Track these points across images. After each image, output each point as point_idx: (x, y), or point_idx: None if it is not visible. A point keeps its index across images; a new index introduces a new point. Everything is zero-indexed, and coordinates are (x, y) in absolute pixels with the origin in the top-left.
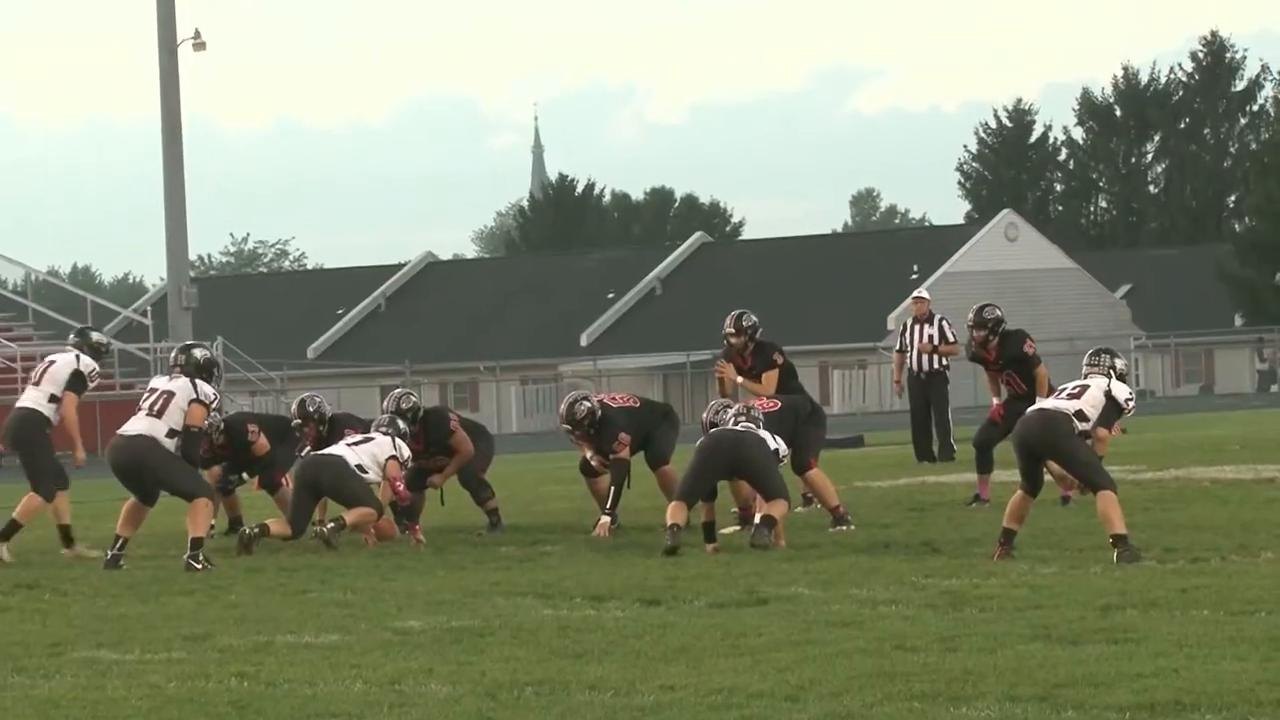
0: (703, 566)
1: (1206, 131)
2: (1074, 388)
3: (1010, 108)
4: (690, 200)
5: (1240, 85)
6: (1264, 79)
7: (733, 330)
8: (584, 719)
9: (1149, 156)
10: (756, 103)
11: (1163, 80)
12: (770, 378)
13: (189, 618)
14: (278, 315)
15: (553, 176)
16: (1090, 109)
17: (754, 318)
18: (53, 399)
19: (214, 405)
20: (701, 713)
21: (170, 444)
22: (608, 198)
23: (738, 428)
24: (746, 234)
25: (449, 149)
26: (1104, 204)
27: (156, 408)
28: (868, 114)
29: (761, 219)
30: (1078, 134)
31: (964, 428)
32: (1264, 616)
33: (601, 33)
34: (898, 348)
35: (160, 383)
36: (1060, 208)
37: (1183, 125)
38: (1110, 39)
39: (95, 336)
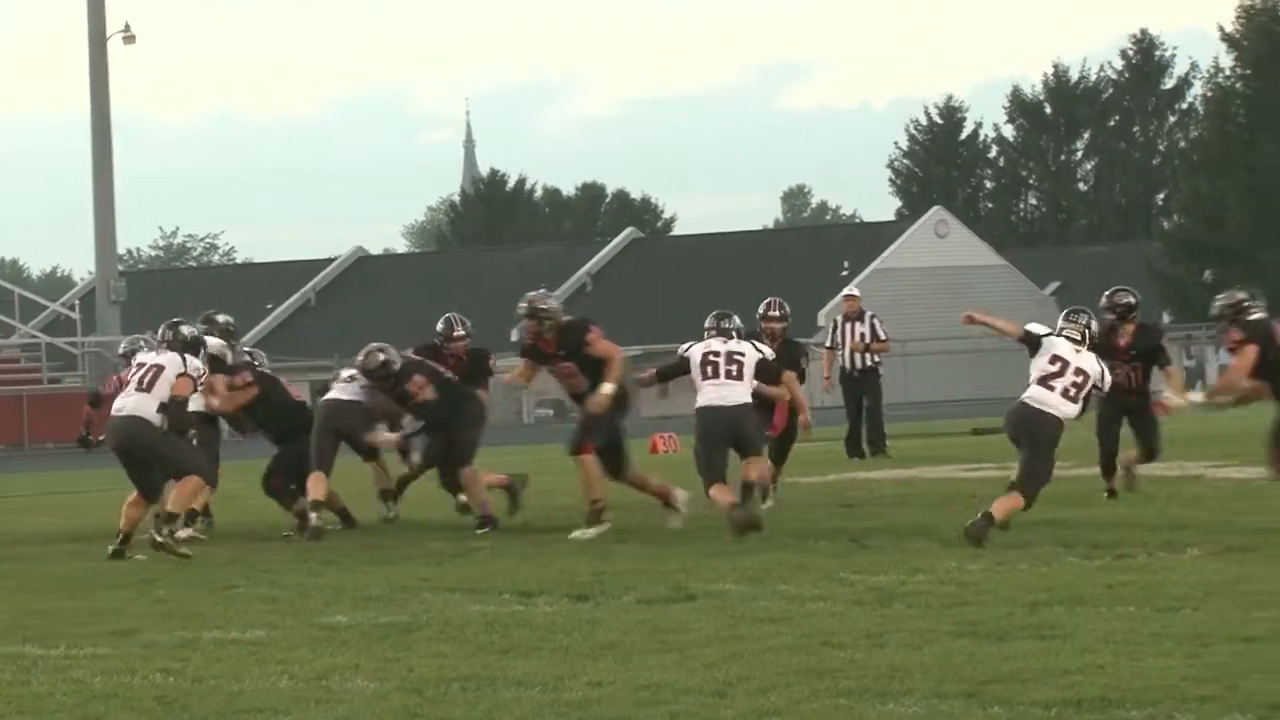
0: (631, 562)
1: (1136, 129)
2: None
3: (941, 105)
4: (621, 196)
5: (1169, 83)
6: (1193, 77)
7: (776, 314)
8: (511, 715)
9: (1079, 154)
10: (688, 99)
11: (1092, 78)
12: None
13: (116, 613)
14: (207, 309)
15: (484, 171)
16: (1020, 106)
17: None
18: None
19: (200, 380)
20: (629, 709)
21: (160, 419)
22: (539, 193)
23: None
24: (678, 230)
25: (380, 143)
26: (1034, 201)
27: (146, 381)
28: (799, 110)
29: (693, 215)
30: (1008, 131)
31: (894, 424)
32: (1189, 613)
33: (534, 28)
34: (828, 344)
35: (148, 358)
36: (990, 205)
37: (1112, 123)
38: (1041, 37)
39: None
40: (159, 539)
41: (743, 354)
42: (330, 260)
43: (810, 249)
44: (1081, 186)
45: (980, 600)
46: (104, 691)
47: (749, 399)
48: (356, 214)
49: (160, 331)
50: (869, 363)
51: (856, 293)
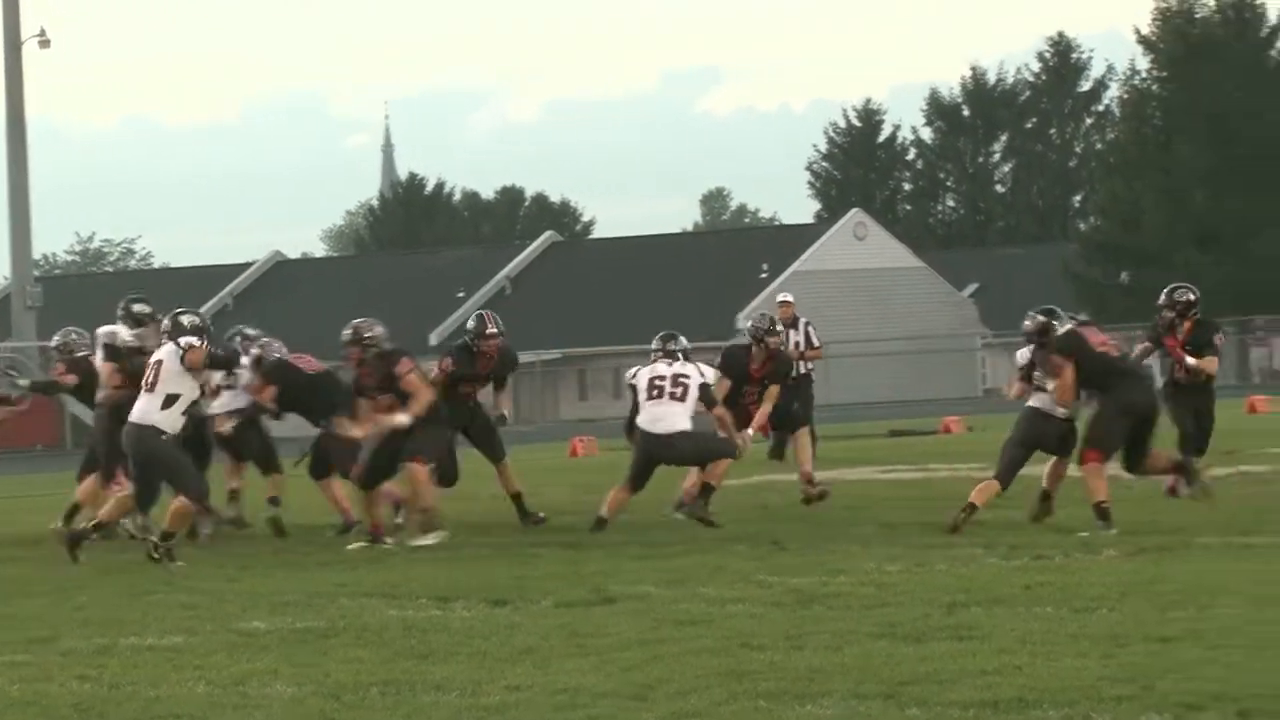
0: (550, 566)
1: (1053, 132)
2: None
3: (859, 107)
4: (540, 199)
5: (1086, 86)
6: (1109, 79)
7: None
8: (430, 719)
9: (996, 156)
10: (608, 102)
11: (1010, 80)
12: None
13: (35, 620)
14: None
15: (403, 175)
16: (938, 109)
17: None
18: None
19: (203, 345)
20: (548, 713)
21: (166, 415)
22: (458, 196)
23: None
24: (597, 233)
25: (298, 148)
26: (952, 203)
27: (150, 381)
28: (718, 114)
29: (613, 218)
30: (926, 134)
31: (820, 425)
32: (1106, 613)
33: (453, 32)
34: None
35: (156, 355)
36: (909, 207)
37: (1029, 125)
38: (958, 40)
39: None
40: (154, 555)
41: (688, 376)
42: (248, 265)
43: (729, 252)
44: (999, 189)
45: (899, 601)
46: (21, 699)
47: (686, 423)
48: (274, 218)
49: (164, 323)
50: (803, 369)
51: (791, 299)
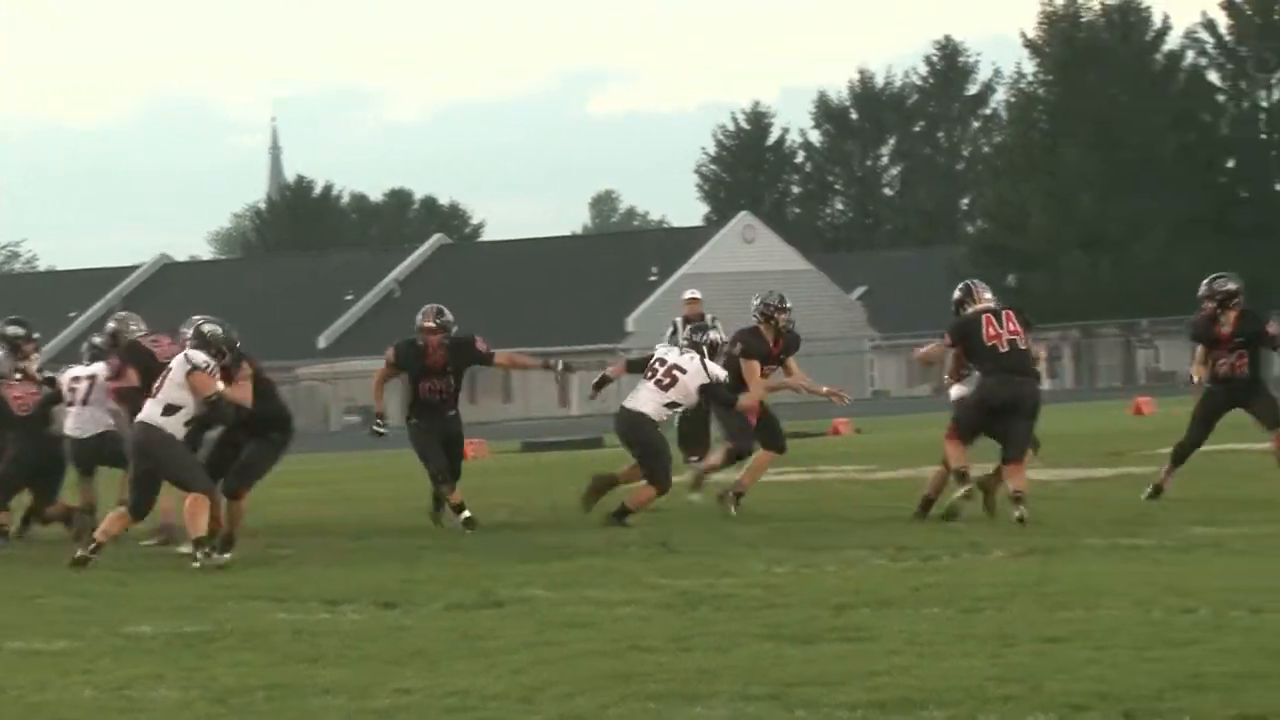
0: (439, 569)
1: (940, 135)
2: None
3: (748, 110)
4: (429, 202)
5: (974, 89)
6: (996, 83)
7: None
8: None
9: (884, 159)
10: (498, 105)
11: (898, 84)
12: None
13: None
14: (8, 317)
15: (291, 178)
16: (827, 112)
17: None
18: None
19: (211, 371)
20: (437, 716)
21: (169, 421)
22: (345, 199)
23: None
24: (487, 236)
25: (185, 150)
26: (840, 206)
27: (156, 386)
28: (607, 116)
29: (502, 221)
30: (815, 137)
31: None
32: (993, 614)
33: (342, 34)
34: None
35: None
36: (798, 210)
37: (917, 129)
38: (847, 43)
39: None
40: (195, 564)
41: (684, 371)
42: (135, 267)
43: (618, 254)
44: (887, 191)
45: (787, 603)
46: None
47: (652, 409)
48: (161, 221)
49: (182, 331)
50: None
51: (698, 295)
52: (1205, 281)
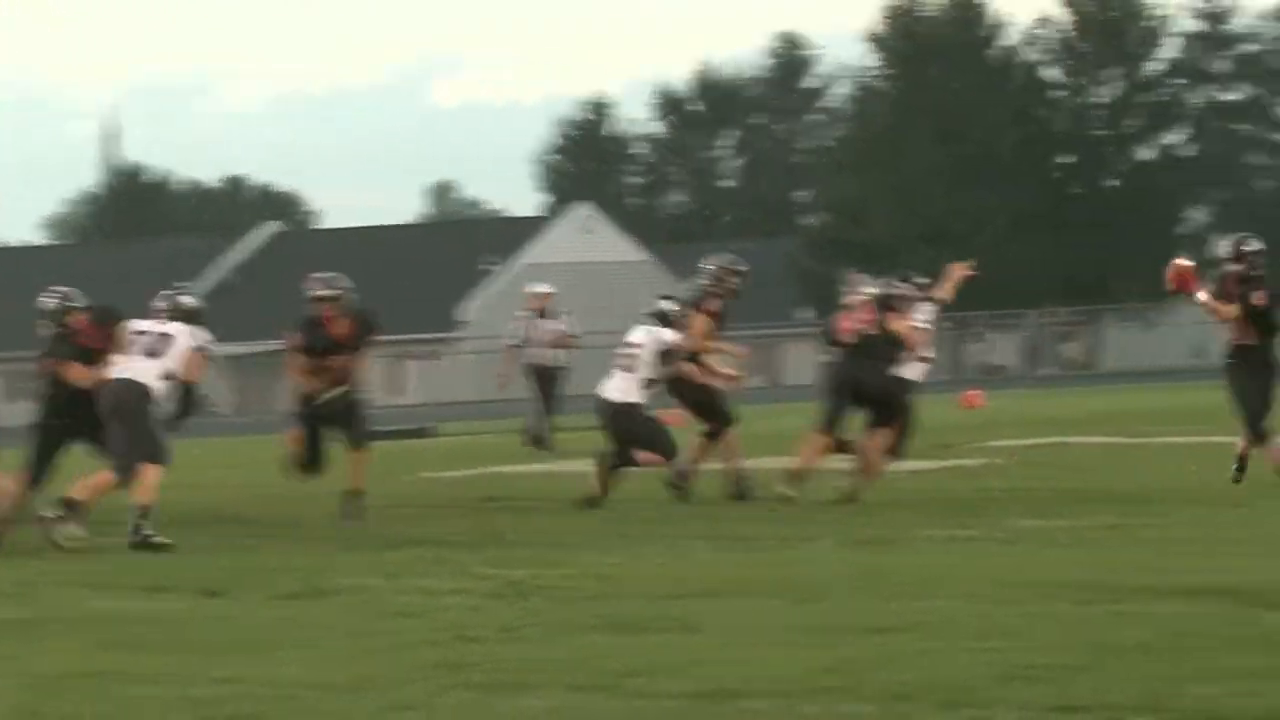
0: (265, 558)
1: (781, 127)
2: None
3: (589, 101)
4: (266, 190)
5: (815, 82)
6: (839, 77)
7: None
8: (140, 713)
9: (724, 151)
10: (336, 94)
11: (739, 76)
12: None
13: None
14: None
15: (125, 164)
16: (667, 104)
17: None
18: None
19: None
20: (261, 705)
21: (163, 386)
22: (180, 185)
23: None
24: (325, 224)
25: (16, 135)
26: (681, 198)
27: (152, 348)
28: (446, 106)
29: (340, 209)
30: (655, 128)
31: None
32: (822, 604)
33: (178, 20)
34: (517, 342)
35: (146, 325)
36: (637, 201)
37: (757, 121)
38: (688, 35)
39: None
40: (146, 535)
41: (640, 345)
42: None
43: (455, 244)
44: (728, 183)
45: (617, 593)
46: None
47: (624, 395)
48: None
49: (156, 301)
50: (562, 360)
51: (550, 289)
52: (1231, 243)
